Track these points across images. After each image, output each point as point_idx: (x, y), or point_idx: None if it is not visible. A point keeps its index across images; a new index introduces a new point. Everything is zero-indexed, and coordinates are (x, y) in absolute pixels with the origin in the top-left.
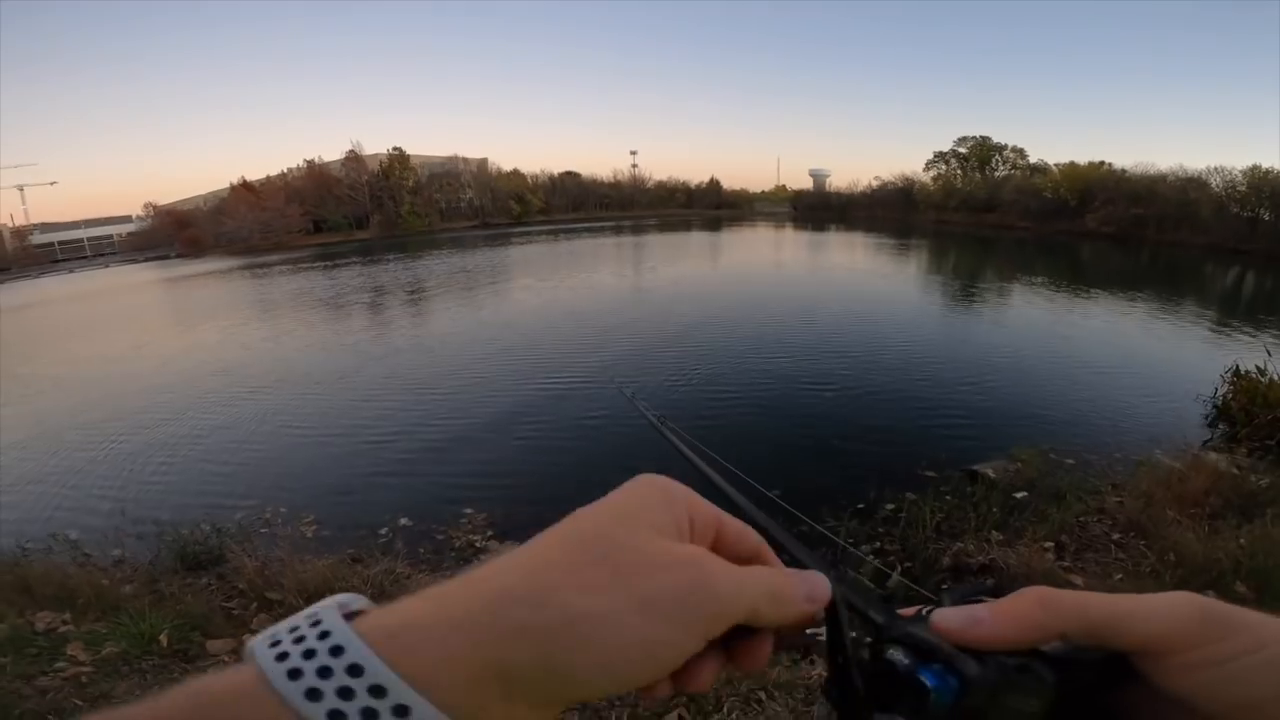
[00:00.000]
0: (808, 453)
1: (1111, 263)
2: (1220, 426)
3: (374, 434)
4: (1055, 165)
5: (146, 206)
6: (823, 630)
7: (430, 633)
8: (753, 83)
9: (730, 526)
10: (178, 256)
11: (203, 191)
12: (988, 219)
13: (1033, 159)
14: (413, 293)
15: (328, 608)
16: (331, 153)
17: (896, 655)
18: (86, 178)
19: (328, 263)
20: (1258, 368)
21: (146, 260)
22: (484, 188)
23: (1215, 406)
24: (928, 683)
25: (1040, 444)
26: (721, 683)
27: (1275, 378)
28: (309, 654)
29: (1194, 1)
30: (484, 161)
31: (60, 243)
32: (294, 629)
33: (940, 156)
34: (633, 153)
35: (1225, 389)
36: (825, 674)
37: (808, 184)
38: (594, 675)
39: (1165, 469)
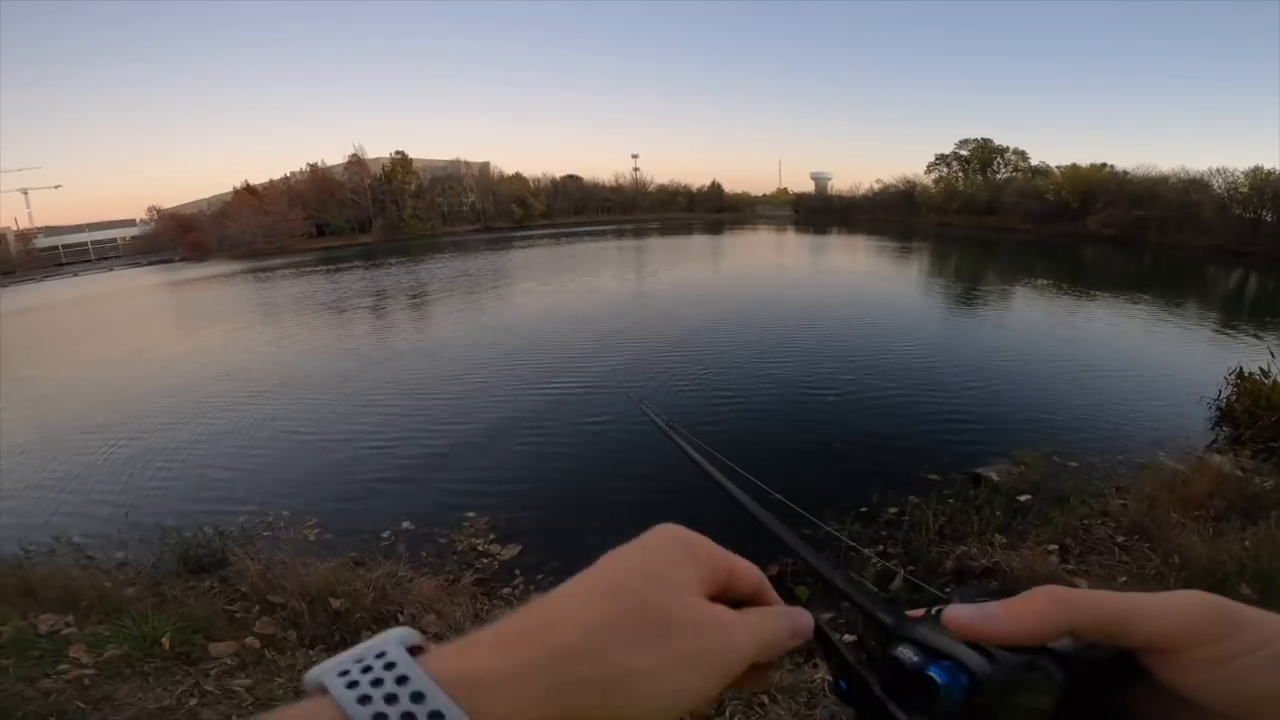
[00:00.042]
0: (810, 456)
1: (1113, 265)
2: (1224, 428)
3: (376, 438)
4: (1057, 167)
5: (150, 210)
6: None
7: (498, 681)
8: (754, 86)
9: (738, 568)
10: (181, 260)
11: (206, 195)
12: (989, 221)
13: (1034, 161)
14: (415, 297)
15: (390, 642)
16: (334, 156)
17: (905, 653)
18: (90, 181)
19: (330, 266)
20: (1261, 369)
21: (150, 264)
22: (486, 191)
23: (1219, 408)
24: (937, 679)
25: (1043, 447)
26: None
27: (1279, 379)
28: (391, 699)
29: (1194, 2)
30: (486, 165)
31: (64, 246)
32: (360, 661)
33: (942, 159)
34: (634, 156)
35: (1229, 391)
36: (829, 677)
37: (809, 187)
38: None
39: (1169, 471)
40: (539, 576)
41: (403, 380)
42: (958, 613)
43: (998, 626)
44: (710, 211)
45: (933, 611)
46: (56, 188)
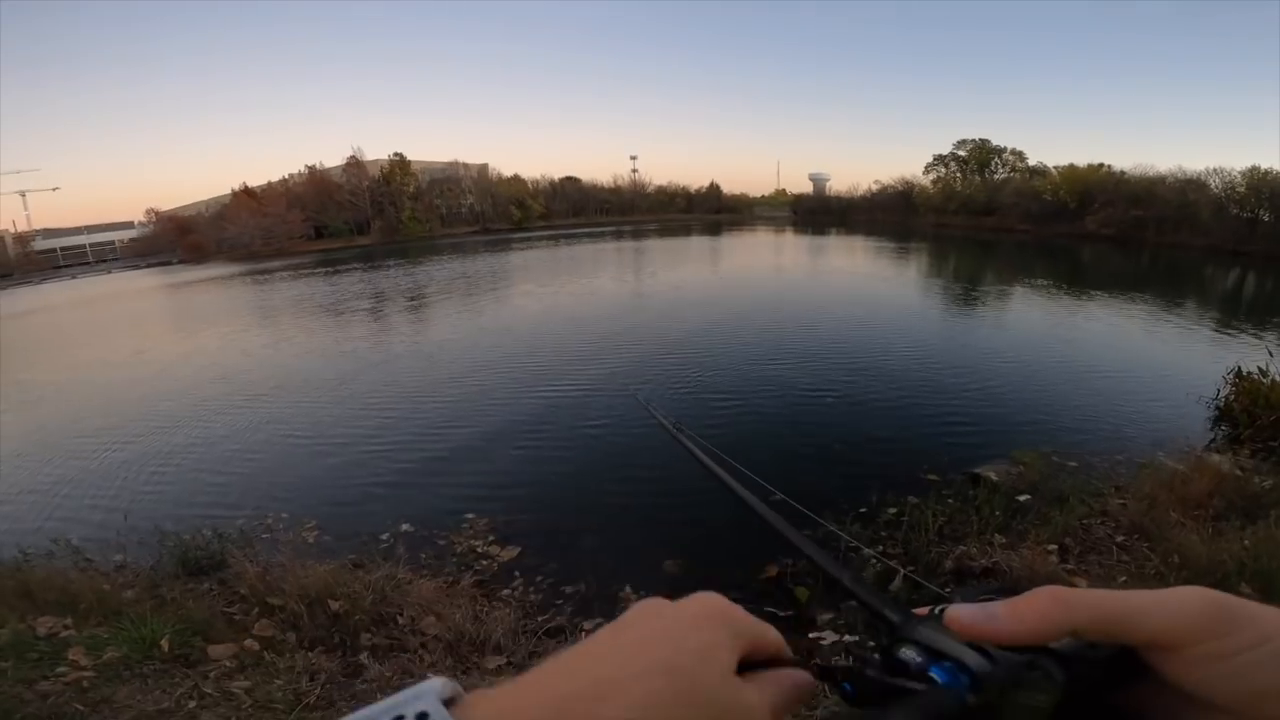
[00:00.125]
0: (809, 457)
1: (1111, 265)
2: (1223, 428)
3: (374, 440)
4: (1054, 168)
5: (149, 212)
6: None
7: None
8: (752, 87)
9: (764, 636)
10: (180, 262)
11: (205, 197)
12: (987, 222)
13: (1032, 161)
14: (413, 299)
15: (427, 694)
16: (333, 158)
17: (909, 654)
18: (89, 183)
19: (329, 268)
20: (1259, 369)
21: (149, 266)
22: (484, 193)
23: (1217, 408)
24: (939, 679)
25: (1042, 447)
26: None
27: (1277, 379)
28: None
29: (1193, 3)
30: (484, 167)
31: (62, 249)
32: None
33: (940, 160)
34: (633, 158)
35: (1227, 390)
36: (841, 667)
37: (808, 188)
38: None
39: (1168, 471)
40: (538, 578)
41: (401, 382)
42: (960, 613)
43: (999, 627)
44: (709, 213)
45: (936, 611)
46: (54, 190)
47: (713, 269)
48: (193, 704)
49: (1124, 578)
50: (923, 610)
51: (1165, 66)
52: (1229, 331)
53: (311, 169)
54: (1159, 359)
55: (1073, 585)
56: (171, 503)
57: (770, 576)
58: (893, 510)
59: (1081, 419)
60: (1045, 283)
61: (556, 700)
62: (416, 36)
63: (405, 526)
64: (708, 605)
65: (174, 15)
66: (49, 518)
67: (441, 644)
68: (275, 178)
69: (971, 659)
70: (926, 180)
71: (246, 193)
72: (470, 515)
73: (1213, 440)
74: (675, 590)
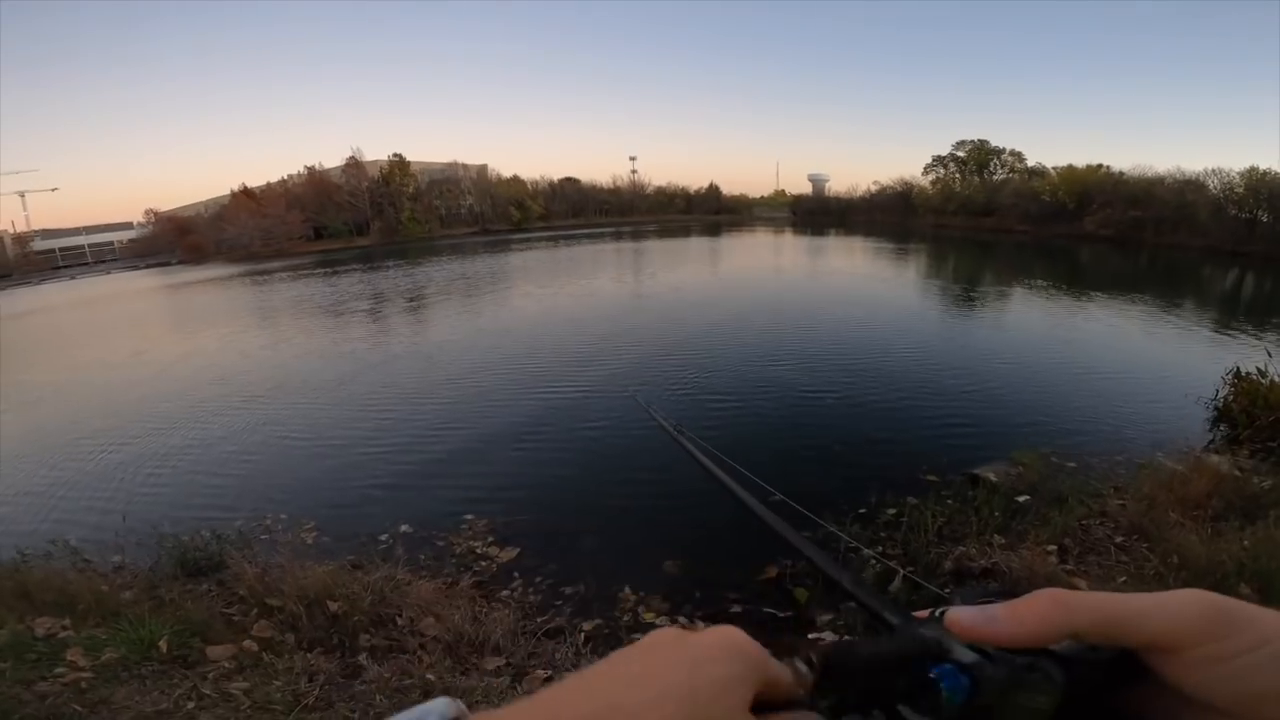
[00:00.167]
0: (809, 458)
1: (1110, 265)
2: (1221, 428)
3: (373, 441)
4: (1053, 168)
5: (148, 213)
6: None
7: None
8: (752, 88)
9: (779, 675)
10: (179, 263)
11: (204, 198)
12: (986, 223)
13: (1030, 162)
14: (413, 300)
15: (430, 715)
16: (332, 159)
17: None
18: (88, 184)
19: (328, 269)
20: (1258, 369)
21: (148, 267)
22: (484, 194)
23: (1216, 408)
24: (940, 682)
25: (1041, 447)
26: None
27: (1276, 379)
28: None
29: (1190, 3)
30: (484, 168)
31: (61, 249)
32: None
33: (939, 160)
34: (632, 159)
35: (1226, 391)
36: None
37: (807, 189)
38: None
39: (1167, 471)
40: (537, 579)
41: (400, 384)
42: (960, 615)
43: (999, 629)
44: (708, 213)
45: (936, 613)
46: (53, 190)
47: (712, 270)
48: (191, 705)
49: (1123, 578)
50: (923, 613)
51: (1163, 67)
52: (1227, 332)
53: (311, 170)
54: (1158, 360)
55: (1072, 586)
56: (170, 504)
57: (770, 577)
58: (892, 511)
59: (1080, 420)
60: (1044, 283)
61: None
62: (416, 37)
63: (404, 527)
64: (727, 639)
65: (173, 15)
66: (47, 518)
67: (440, 645)
68: (274, 178)
69: (973, 660)
70: (925, 181)
71: (246, 193)
72: (469, 516)
73: (1211, 441)
74: (674, 590)
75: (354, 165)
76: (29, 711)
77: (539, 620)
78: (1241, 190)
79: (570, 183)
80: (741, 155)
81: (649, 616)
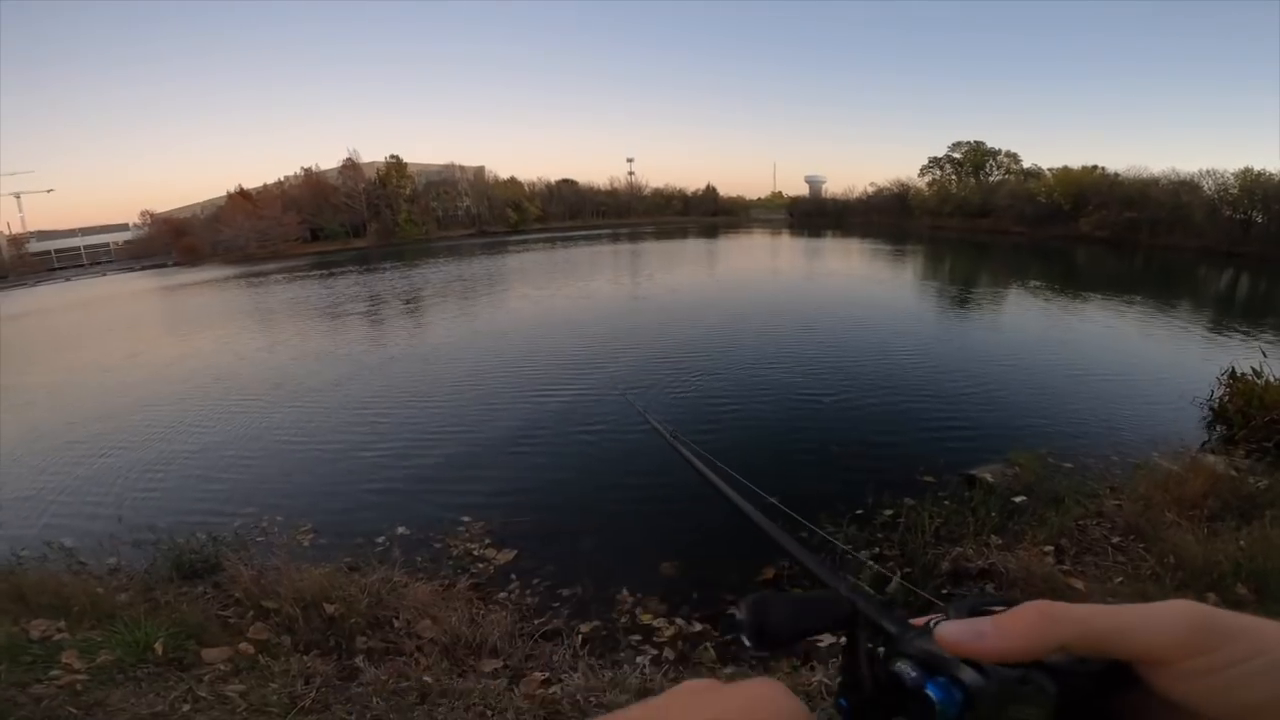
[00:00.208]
0: (806, 459)
1: (1106, 266)
2: (1217, 429)
3: (370, 444)
4: (1048, 170)
5: (143, 215)
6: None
7: None
8: (749, 89)
9: None
10: (175, 265)
11: (200, 200)
12: (982, 224)
13: (1026, 163)
14: (409, 302)
15: None
16: (328, 161)
17: (905, 668)
18: (83, 185)
19: (324, 271)
20: (1254, 370)
21: (143, 269)
22: (481, 196)
23: (1212, 409)
24: (933, 695)
25: (1037, 448)
26: None
27: (1271, 380)
28: None
29: (1187, 3)
30: (481, 169)
31: (57, 251)
32: None
33: (935, 162)
34: (629, 160)
35: (1221, 391)
36: (839, 681)
37: (804, 190)
38: None
39: (1163, 472)
40: (535, 581)
41: (397, 386)
42: (948, 631)
43: (987, 645)
44: (705, 215)
45: (931, 624)
46: (49, 192)
47: (709, 272)
48: (187, 707)
49: (1120, 578)
50: (920, 620)
51: (1159, 68)
52: (1223, 332)
53: (307, 171)
54: (1153, 360)
55: (1069, 586)
56: (165, 506)
57: (767, 578)
58: (889, 512)
59: (1077, 420)
60: (1040, 284)
61: None
62: (413, 38)
63: (401, 529)
64: (761, 696)
65: (169, 16)
66: (42, 521)
67: (438, 647)
68: (271, 180)
69: (965, 674)
70: (922, 182)
71: (242, 195)
72: (466, 518)
73: (1207, 441)
74: (671, 591)
75: (351, 167)
76: (24, 714)
77: (536, 622)
78: (1236, 191)
79: (567, 184)
80: (738, 157)
81: (646, 618)
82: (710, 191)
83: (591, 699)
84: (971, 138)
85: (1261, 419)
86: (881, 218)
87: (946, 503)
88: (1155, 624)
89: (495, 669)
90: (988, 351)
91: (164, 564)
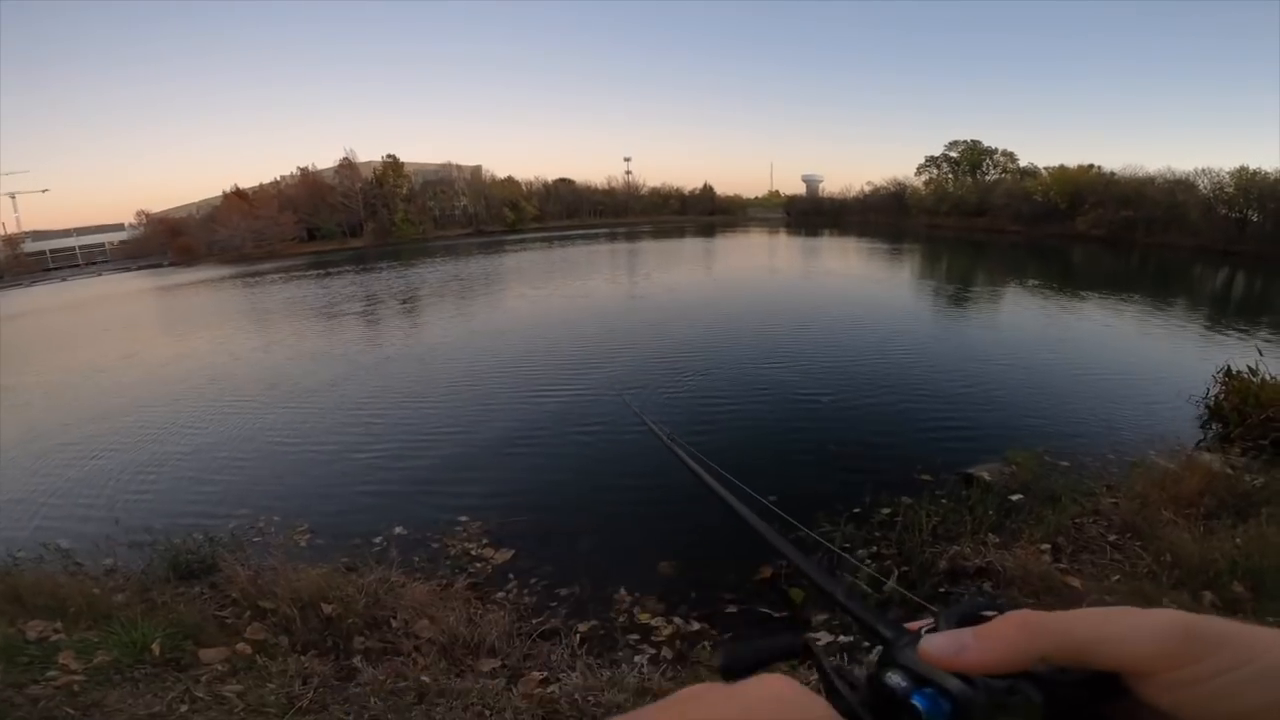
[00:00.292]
0: (804, 458)
1: (1102, 265)
2: (1213, 427)
3: (367, 444)
4: (1045, 169)
5: (139, 215)
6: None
7: None
8: (746, 89)
9: None
10: (170, 265)
11: (195, 199)
12: (979, 223)
13: (1023, 162)
14: (406, 301)
15: None
16: (325, 160)
17: (894, 679)
18: (78, 185)
19: (321, 271)
20: (1249, 368)
21: (139, 269)
22: (478, 195)
23: (1208, 407)
24: (920, 707)
25: (1034, 446)
26: None
27: (1267, 377)
28: None
29: (1186, 3)
30: (478, 169)
31: (52, 251)
32: None
33: (931, 161)
34: (626, 159)
35: (1217, 389)
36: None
37: (801, 189)
38: None
39: (1159, 470)
40: (532, 581)
41: (394, 386)
42: (932, 645)
43: (969, 658)
44: (702, 214)
45: (923, 630)
46: (44, 192)
47: (706, 271)
48: (184, 708)
49: (1117, 576)
50: (915, 624)
51: (1156, 67)
52: (1219, 331)
53: (304, 171)
54: (1150, 359)
55: (1066, 584)
56: (161, 506)
57: (765, 578)
58: (886, 510)
59: (1073, 418)
60: (1037, 283)
61: None
62: (410, 38)
63: (398, 529)
64: (771, 694)
65: (165, 15)
66: (39, 522)
67: (435, 647)
68: (267, 179)
69: (953, 684)
70: (919, 181)
71: (238, 194)
72: (463, 518)
73: (1203, 439)
74: (669, 591)
75: (347, 166)
76: (21, 715)
77: (534, 622)
78: (1232, 190)
79: (565, 183)
80: (736, 156)
81: (644, 617)
82: (707, 191)
83: (590, 698)
84: (968, 137)
85: (1257, 416)
86: (878, 217)
87: (944, 501)
88: (1139, 634)
89: (493, 669)
90: (985, 350)
91: (160, 564)
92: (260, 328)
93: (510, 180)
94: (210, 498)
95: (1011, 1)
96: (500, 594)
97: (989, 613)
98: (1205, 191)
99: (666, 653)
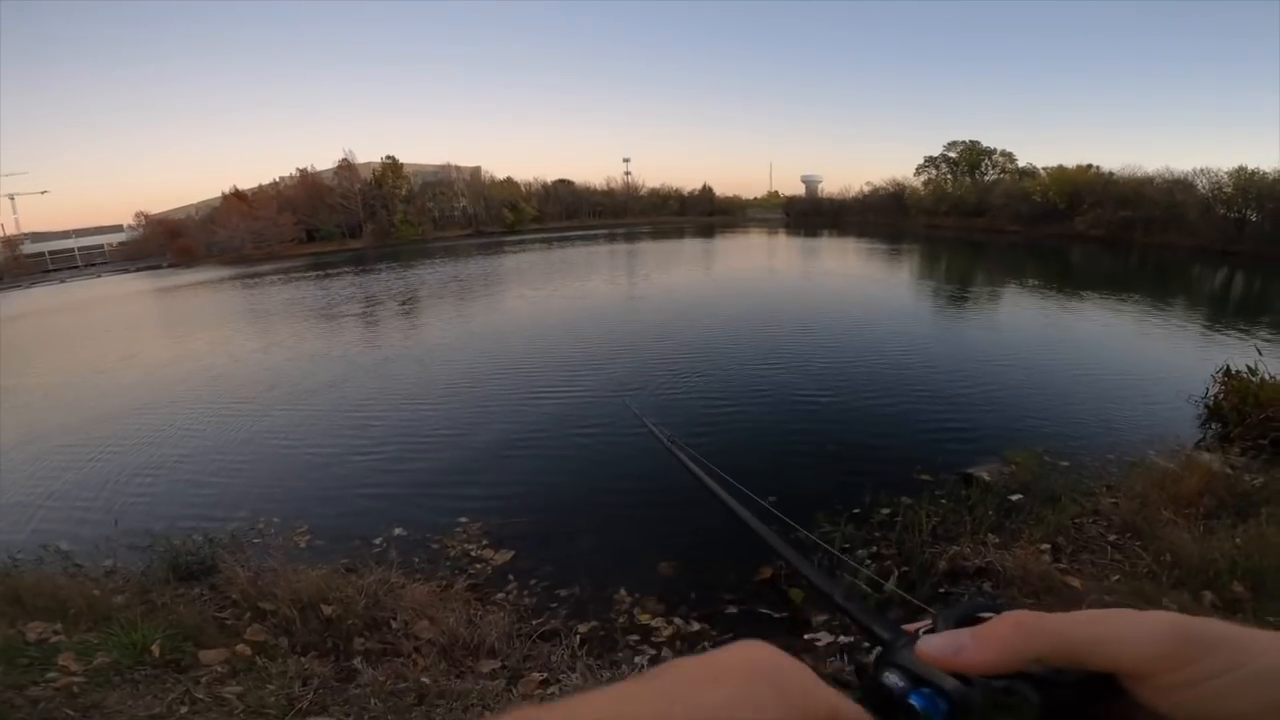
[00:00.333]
0: (804, 459)
1: (1101, 265)
2: (1213, 426)
3: (366, 445)
4: (1043, 169)
5: (138, 216)
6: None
7: None
8: (745, 89)
9: (823, 706)
10: (169, 266)
11: (194, 201)
12: (978, 223)
13: (1021, 163)
14: (405, 302)
15: None
16: (324, 161)
17: (892, 679)
18: (78, 187)
19: (320, 272)
20: (1249, 367)
21: (138, 270)
22: (477, 196)
23: (1207, 406)
24: (917, 706)
25: (1034, 446)
26: None
27: (1266, 377)
28: None
29: (1185, 3)
30: (477, 170)
31: (51, 252)
32: None
33: (931, 161)
34: (626, 160)
35: (1217, 389)
36: None
37: (800, 190)
38: None
39: (1159, 470)
40: (532, 581)
41: (393, 387)
42: (929, 646)
43: (965, 659)
44: (702, 215)
45: (921, 631)
46: (43, 193)
47: (705, 272)
48: (184, 709)
49: (1116, 576)
50: (912, 626)
51: (1154, 67)
52: (1218, 331)
53: (303, 172)
54: (1149, 358)
55: (1066, 584)
56: (161, 508)
57: (765, 578)
58: (886, 510)
59: (1072, 418)
60: (1036, 283)
61: None
62: (409, 38)
63: (398, 530)
64: (746, 658)
65: (165, 16)
66: (38, 524)
67: (435, 648)
68: (266, 180)
69: (950, 685)
70: (918, 182)
71: (237, 195)
72: (463, 519)
73: (1203, 439)
74: (669, 591)
75: (346, 167)
76: (21, 716)
77: (534, 623)
78: (1230, 190)
79: (564, 184)
80: (735, 157)
81: (644, 618)
82: (706, 191)
83: None
84: (967, 137)
85: (1256, 416)
86: (877, 217)
87: (943, 501)
88: (1134, 636)
89: (493, 670)
90: (984, 350)
91: (160, 566)
92: (259, 329)
93: (509, 181)
94: (210, 499)
95: (1011, 1)
96: (500, 595)
97: (986, 614)
98: (1204, 191)
99: (667, 653)
